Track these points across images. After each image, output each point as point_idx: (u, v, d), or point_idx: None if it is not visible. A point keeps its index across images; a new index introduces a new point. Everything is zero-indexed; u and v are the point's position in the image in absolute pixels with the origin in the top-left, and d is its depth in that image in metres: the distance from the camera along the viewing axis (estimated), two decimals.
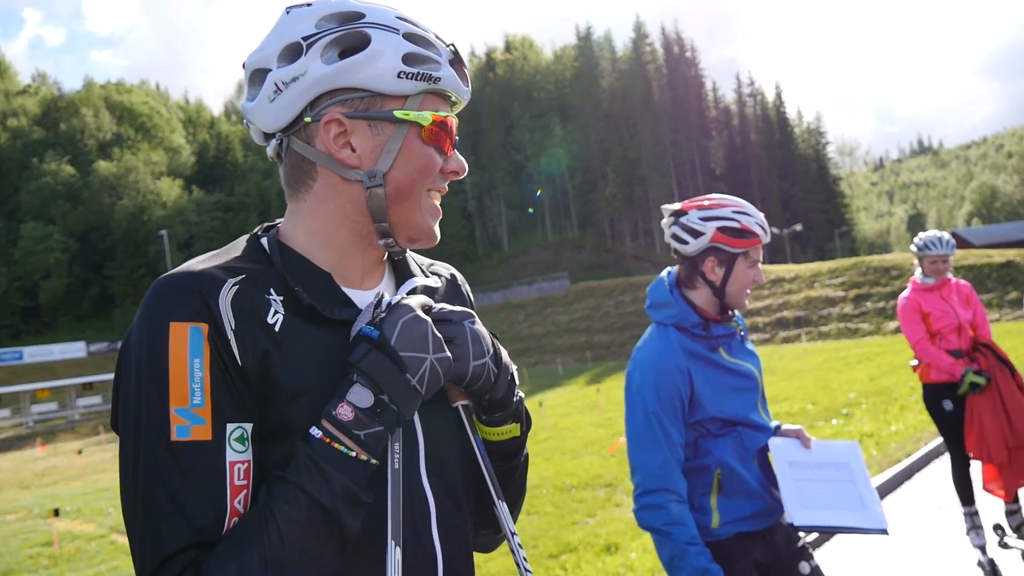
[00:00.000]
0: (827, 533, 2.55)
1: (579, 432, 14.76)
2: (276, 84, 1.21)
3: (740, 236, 2.59)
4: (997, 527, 5.79)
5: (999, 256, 36.34)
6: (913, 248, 5.54)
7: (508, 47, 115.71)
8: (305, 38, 1.20)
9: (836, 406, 13.10)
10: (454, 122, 1.29)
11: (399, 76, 1.20)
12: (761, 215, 2.64)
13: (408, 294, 1.27)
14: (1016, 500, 5.48)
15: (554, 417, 18.20)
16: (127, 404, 1.10)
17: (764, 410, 2.72)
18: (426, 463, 1.27)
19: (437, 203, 1.31)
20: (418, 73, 1.21)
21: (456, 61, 1.27)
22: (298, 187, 1.28)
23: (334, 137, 1.21)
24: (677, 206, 2.72)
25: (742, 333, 2.74)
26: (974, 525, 5.44)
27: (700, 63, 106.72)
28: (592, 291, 57.19)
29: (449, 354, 1.17)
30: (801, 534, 2.70)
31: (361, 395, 1.11)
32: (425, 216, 1.28)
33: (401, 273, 1.38)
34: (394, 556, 1.13)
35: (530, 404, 22.71)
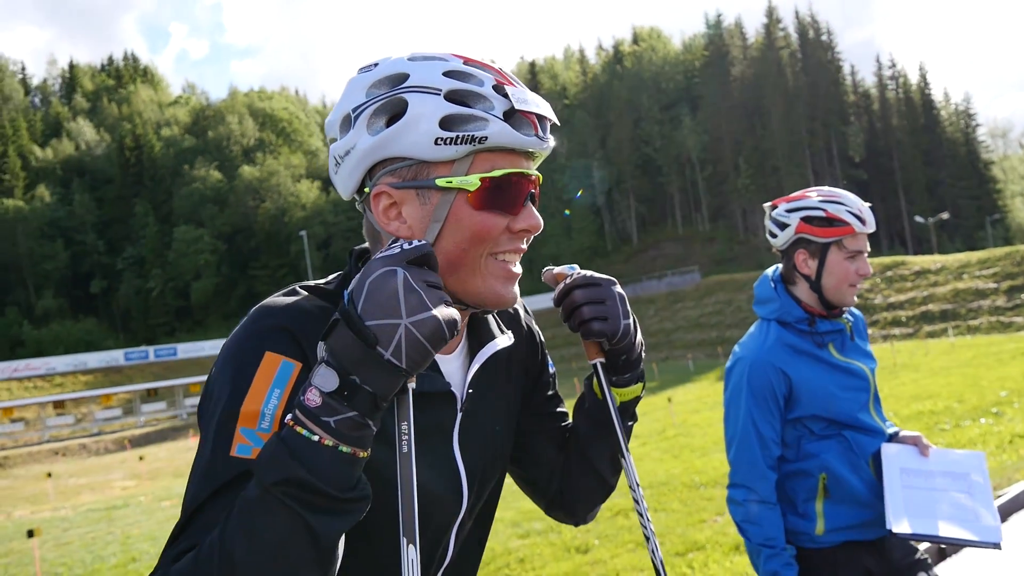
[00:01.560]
0: (930, 542, 2.44)
1: (709, 429, 14.52)
2: (335, 157, 1.21)
3: (827, 225, 2.49)
4: None
5: None
6: None
7: (636, 39, 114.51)
8: (354, 109, 1.18)
9: (985, 404, 12.36)
10: (525, 175, 1.21)
11: (436, 142, 1.14)
12: (859, 204, 2.52)
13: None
14: None
15: (683, 414, 17.97)
16: (207, 407, 1.12)
17: (877, 413, 2.62)
18: (461, 445, 1.30)
19: (511, 265, 1.24)
20: (458, 137, 1.14)
21: (514, 112, 1.17)
22: (374, 248, 1.28)
23: (384, 209, 1.19)
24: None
25: (854, 330, 2.65)
26: None
27: (837, 46, 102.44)
28: (723, 285, 56.01)
29: (433, 311, 1.01)
30: (922, 545, 2.60)
31: (327, 377, 1.00)
32: (488, 282, 1.22)
33: (477, 331, 1.35)
34: (408, 556, 1.05)
35: (659, 400, 22.51)
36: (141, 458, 24.79)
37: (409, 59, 1.20)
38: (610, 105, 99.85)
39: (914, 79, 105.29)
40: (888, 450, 2.54)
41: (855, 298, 2.56)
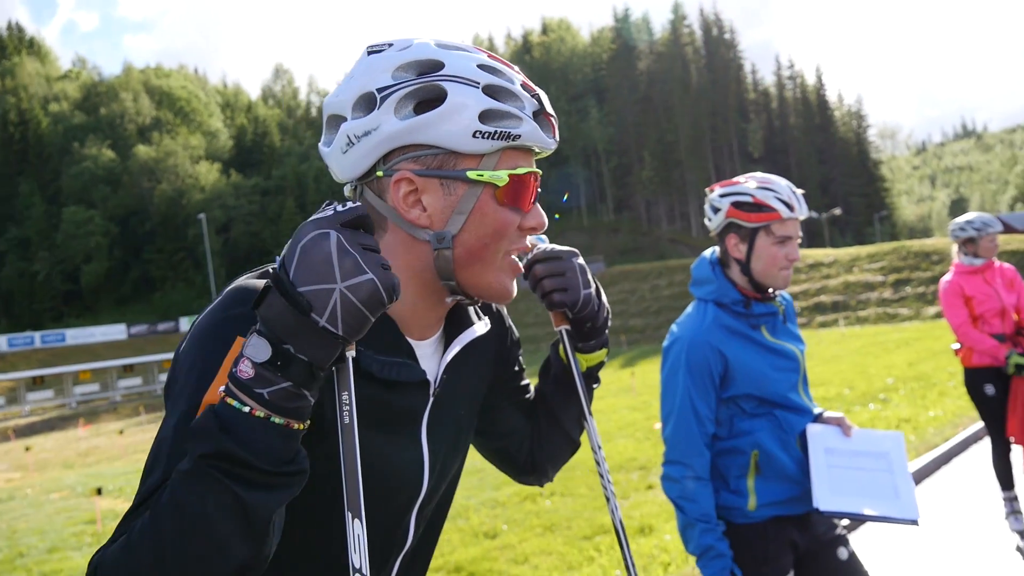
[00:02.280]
0: (855, 520, 2.54)
1: (614, 415, 14.74)
2: (349, 137, 1.16)
3: (755, 210, 2.55)
4: None
5: None
6: (965, 232, 5.38)
7: (545, 29, 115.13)
8: (380, 89, 1.14)
9: (873, 391, 12.94)
10: (537, 175, 1.23)
11: (475, 135, 1.13)
12: (790, 191, 2.57)
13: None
14: None
15: None
16: (174, 388, 1.09)
17: (806, 393, 2.70)
18: (428, 429, 1.29)
19: (517, 259, 1.26)
20: (495, 132, 1.13)
21: (541, 112, 1.20)
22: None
23: (404, 195, 1.16)
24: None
25: (786, 314, 2.71)
26: (1013, 510, 5.38)
27: (739, 45, 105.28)
28: (627, 275, 56.94)
29: (370, 275, 0.96)
30: (840, 521, 2.70)
31: (259, 347, 0.95)
32: (499, 276, 1.23)
33: (455, 318, 1.34)
34: (353, 530, 1.02)
35: None
36: (27, 449, 23.62)
37: (439, 46, 1.17)
38: None
39: (811, 80, 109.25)
40: (813, 430, 2.61)
41: (788, 282, 2.61)
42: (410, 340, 1.25)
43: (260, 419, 0.94)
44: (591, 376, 1.55)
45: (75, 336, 65.72)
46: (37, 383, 45.29)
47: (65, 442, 28.00)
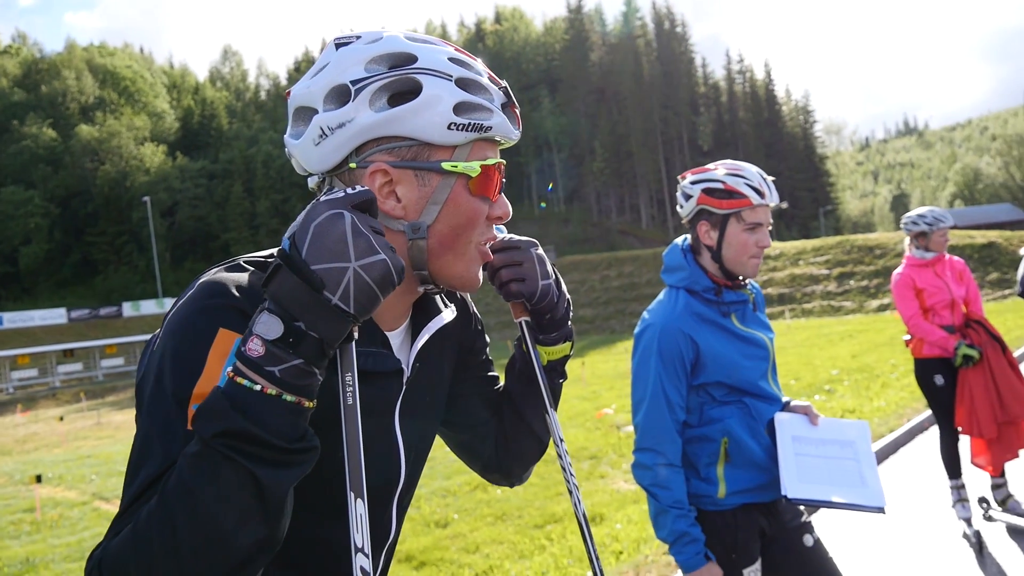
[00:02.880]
0: (822, 507, 2.54)
1: (563, 405, 14.77)
2: (322, 128, 1.15)
3: (726, 197, 2.55)
4: (983, 500, 5.84)
5: (981, 237, 36.55)
6: (917, 226, 5.44)
7: (498, 18, 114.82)
8: (354, 82, 1.14)
9: (819, 382, 13.16)
10: (502, 166, 1.25)
11: (449, 127, 1.15)
12: (760, 178, 2.57)
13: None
14: (1002, 474, 5.55)
15: None
16: (149, 387, 1.06)
17: (775, 382, 2.71)
18: (401, 418, 1.29)
19: (487, 248, 1.28)
20: (469, 124, 1.16)
21: (508, 104, 1.22)
22: None
23: (379, 187, 1.16)
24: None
25: (755, 302, 2.71)
26: (960, 498, 5.47)
27: (690, 38, 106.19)
28: (577, 265, 57.16)
29: (383, 255, 0.98)
30: (804, 508, 2.70)
31: (270, 324, 0.95)
32: (469, 265, 1.25)
33: (422, 307, 1.34)
34: (356, 510, 1.01)
35: None
36: None
37: (409, 39, 1.19)
38: None
39: (760, 75, 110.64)
40: (781, 418, 2.62)
41: (757, 269, 2.61)
42: (383, 330, 1.25)
43: (272, 396, 0.94)
44: (555, 370, 1.50)
45: (13, 320, 63.85)
46: None
47: (2, 428, 27.24)
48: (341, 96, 1.15)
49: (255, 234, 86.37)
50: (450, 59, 1.18)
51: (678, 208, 2.72)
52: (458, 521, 7.12)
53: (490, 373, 1.57)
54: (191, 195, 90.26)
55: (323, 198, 1.02)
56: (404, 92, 1.15)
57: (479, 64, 1.23)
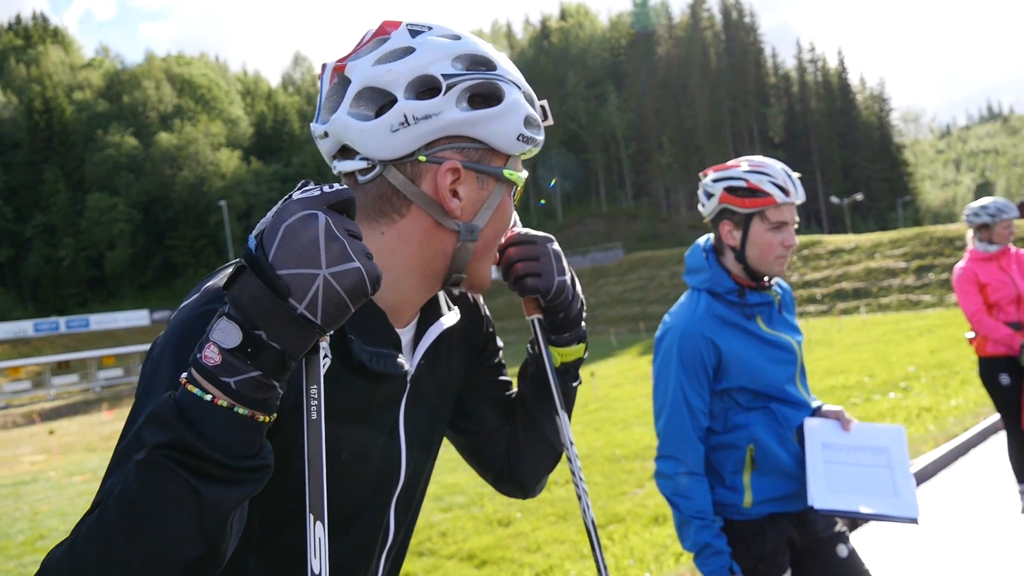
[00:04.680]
0: (852, 518, 2.48)
1: (630, 403, 14.71)
2: (406, 116, 1.12)
3: (749, 195, 2.46)
4: None
5: None
6: (979, 217, 5.30)
7: (563, 15, 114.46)
8: (445, 76, 1.13)
9: (895, 379, 12.82)
10: None
11: (518, 138, 1.19)
12: (784, 175, 2.48)
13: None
14: None
15: (605, 388, 18.17)
16: (144, 380, 1.05)
17: (803, 386, 2.62)
18: (405, 420, 1.27)
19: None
20: (530, 138, 1.20)
21: (544, 120, 1.27)
22: (378, 217, 1.18)
23: (448, 184, 1.16)
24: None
25: (782, 303, 2.64)
26: None
27: (759, 28, 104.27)
28: (646, 261, 56.73)
29: (357, 263, 0.90)
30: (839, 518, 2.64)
31: (228, 332, 0.88)
32: (489, 269, 1.29)
33: (427, 307, 1.33)
34: (315, 533, 0.95)
35: (582, 374, 22.62)
36: (51, 432, 23.92)
37: (482, 42, 1.21)
38: (537, 81, 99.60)
39: (832, 63, 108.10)
40: (811, 424, 2.54)
41: (784, 269, 2.53)
42: (397, 330, 1.23)
43: (223, 408, 0.88)
44: (568, 373, 1.49)
45: (99, 321, 66.44)
46: (62, 368, 45.92)
47: (89, 426, 28.33)
48: (428, 87, 1.14)
49: None
50: (516, 73, 1.22)
51: (699, 207, 2.65)
52: (520, 520, 7.17)
53: (502, 377, 1.54)
54: (265, 198, 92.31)
55: (297, 196, 0.93)
56: (485, 96, 1.17)
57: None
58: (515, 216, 1.35)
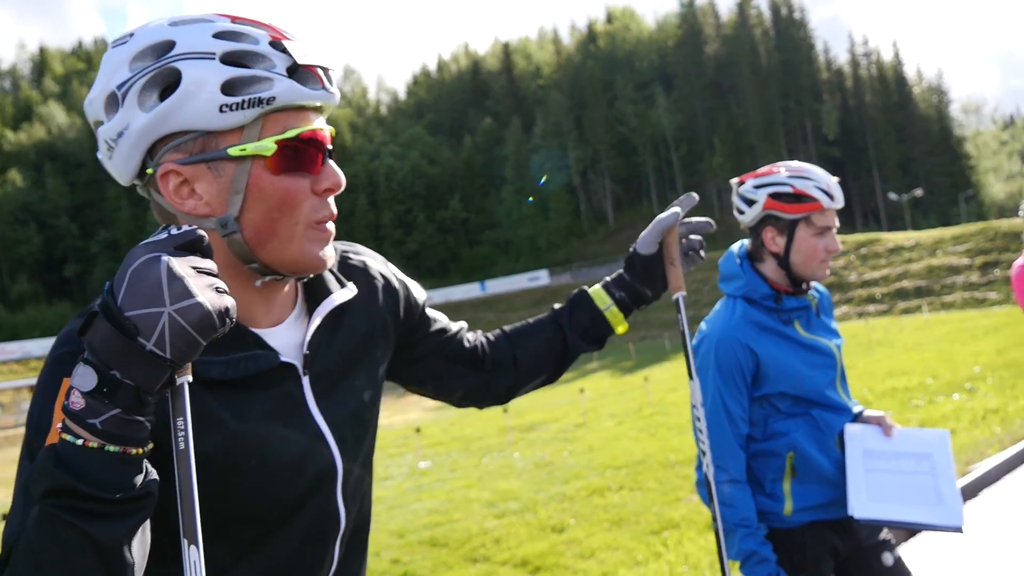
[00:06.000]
0: (894, 527, 2.41)
1: (685, 408, 14.55)
2: (106, 142, 1.11)
3: (795, 201, 2.44)
4: None
5: None
6: None
7: (609, 18, 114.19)
8: (119, 86, 1.09)
9: (959, 380, 12.47)
10: (320, 133, 1.16)
11: (221, 110, 1.07)
12: (828, 179, 2.47)
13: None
14: None
15: (659, 392, 18.03)
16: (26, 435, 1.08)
17: (844, 391, 2.58)
18: (320, 407, 1.26)
19: (327, 225, 1.20)
20: (243, 101, 1.08)
21: (297, 67, 1.13)
22: None
23: (174, 189, 1.11)
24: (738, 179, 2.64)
25: (820, 307, 2.60)
26: None
27: (809, 24, 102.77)
28: (700, 264, 56.24)
29: (200, 298, 0.91)
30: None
31: (85, 376, 0.91)
32: (304, 246, 1.17)
33: (312, 291, 1.30)
34: (190, 557, 0.96)
35: (635, 379, 22.45)
36: None
37: (171, 24, 1.12)
38: (584, 85, 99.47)
39: (887, 56, 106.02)
40: (852, 430, 2.49)
41: (827, 273, 2.50)
42: (256, 330, 1.21)
43: (94, 449, 0.91)
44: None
45: None
46: None
47: None
48: (112, 103, 1.10)
49: (380, 245, 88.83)
50: (215, 35, 1.10)
51: (736, 214, 2.62)
52: (574, 526, 7.14)
53: (444, 328, 1.58)
54: None
55: (145, 241, 0.96)
56: (171, 84, 1.08)
57: (260, 30, 1.13)
58: (333, 176, 1.19)
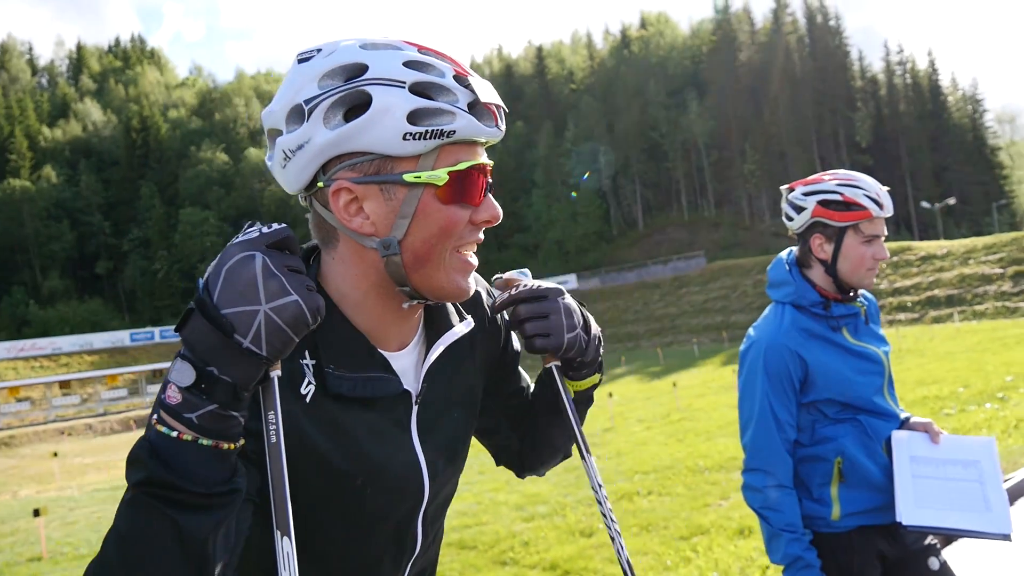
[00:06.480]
0: (941, 534, 2.42)
1: (714, 413, 14.54)
2: (284, 152, 1.15)
3: (844, 209, 2.45)
4: None
5: None
6: None
7: (643, 23, 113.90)
8: (307, 101, 1.12)
9: (991, 389, 12.35)
10: (484, 167, 1.19)
11: (405, 137, 1.10)
12: (877, 188, 2.48)
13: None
14: None
15: (688, 398, 17.98)
16: None
17: (892, 397, 2.59)
18: (421, 436, 1.29)
19: (469, 257, 1.23)
20: (426, 131, 1.11)
21: (478, 103, 1.15)
22: (325, 244, 1.23)
23: (344, 205, 1.15)
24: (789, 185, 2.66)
25: (868, 314, 2.62)
26: None
27: (844, 31, 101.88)
28: (729, 270, 55.96)
29: (295, 297, 0.98)
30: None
31: (183, 371, 0.95)
32: (450, 276, 1.20)
33: (434, 320, 1.32)
34: (283, 548, 1.01)
35: (664, 385, 22.38)
36: None
37: (362, 47, 1.14)
38: (617, 90, 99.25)
39: (922, 64, 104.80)
40: (899, 437, 2.50)
41: (873, 281, 2.52)
42: (384, 353, 1.24)
43: (188, 442, 0.95)
44: (583, 398, 1.50)
45: None
46: (157, 376, 47.64)
47: None
48: (298, 116, 1.14)
49: None
50: (406, 63, 1.13)
51: (785, 220, 2.64)
52: (603, 531, 7.16)
53: (515, 387, 1.56)
54: None
55: (237, 239, 1.01)
56: (357, 105, 1.12)
57: (445, 63, 1.16)
58: (492, 209, 1.21)
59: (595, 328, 1.44)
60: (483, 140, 1.18)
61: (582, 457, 1.43)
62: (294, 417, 1.11)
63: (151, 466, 0.94)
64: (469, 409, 1.41)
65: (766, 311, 2.68)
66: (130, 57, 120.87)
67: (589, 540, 6.93)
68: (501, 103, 1.19)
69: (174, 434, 0.95)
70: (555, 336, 1.34)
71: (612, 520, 1.42)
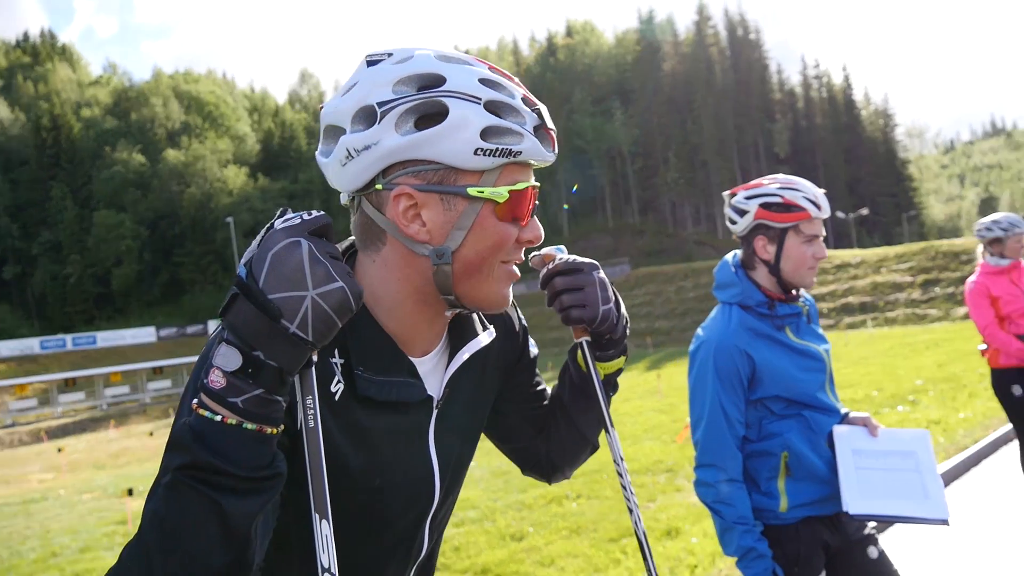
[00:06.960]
0: (885, 522, 2.55)
1: (640, 418, 14.73)
2: (348, 150, 1.15)
3: (785, 211, 2.57)
4: None
5: None
6: (991, 232, 5.36)
7: (570, 32, 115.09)
8: (381, 103, 1.12)
9: (903, 393, 12.83)
10: (535, 189, 1.22)
11: (476, 152, 1.12)
12: (814, 190, 2.59)
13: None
14: None
15: (615, 403, 18.13)
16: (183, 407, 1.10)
17: (832, 393, 2.71)
18: (436, 441, 1.30)
19: (512, 267, 1.25)
20: (497, 149, 1.13)
21: (541, 126, 1.18)
22: (367, 246, 1.23)
23: (404, 210, 1.15)
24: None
25: (809, 314, 2.73)
26: None
27: (764, 45, 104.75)
28: (653, 276, 56.77)
29: (341, 283, 0.98)
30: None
31: (229, 356, 0.96)
32: (495, 286, 1.23)
33: (458, 329, 1.34)
34: (321, 530, 1.03)
35: None
36: (60, 450, 23.92)
37: (439, 58, 1.16)
38: (543, 97, 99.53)
39: (837, 79, 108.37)
40: (840, 431, 2.62)
41: (814, 280, 2.63)
42: (411, 358, 1.25)
43: (232, 426, 0.95)
44: (609, 383, 1.52)
45: (106, 339, 66.52)
46: (69, 385, 45.92)
47: (96, 443, 28.36)
48: (368, 117, 1.14)
49: None
50: (481, 80, 1.15)
51: (728, 224, 2.73)
52: (533, 534, 7.19)
53: (537, 389, 1.57)
54: (272, 215, 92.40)
55: (279, 225, 1.02)
56: (431, 115, 1.13)
57: (513, 84, 1.19)
58: (536, 229, 1.25)
59: (624, 307, 1.47)
60: (542, 164, 1.21)
61: (607, 431, 1.48)
62: (321, 414, 1.11)
63: (195, 449, 0.94)
64: (478, 419, 1.43)
65: (713, 312, 2.76)
66: (39, 53, 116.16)
67: (520, 544, 6.95)
68: (555, 129, 1.22)
69: (218, 418, 0.95)
70: (591, 308, 1.37)
71: (631, 492, 1.46)
